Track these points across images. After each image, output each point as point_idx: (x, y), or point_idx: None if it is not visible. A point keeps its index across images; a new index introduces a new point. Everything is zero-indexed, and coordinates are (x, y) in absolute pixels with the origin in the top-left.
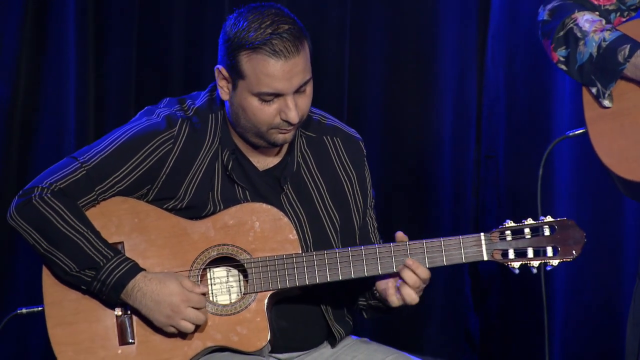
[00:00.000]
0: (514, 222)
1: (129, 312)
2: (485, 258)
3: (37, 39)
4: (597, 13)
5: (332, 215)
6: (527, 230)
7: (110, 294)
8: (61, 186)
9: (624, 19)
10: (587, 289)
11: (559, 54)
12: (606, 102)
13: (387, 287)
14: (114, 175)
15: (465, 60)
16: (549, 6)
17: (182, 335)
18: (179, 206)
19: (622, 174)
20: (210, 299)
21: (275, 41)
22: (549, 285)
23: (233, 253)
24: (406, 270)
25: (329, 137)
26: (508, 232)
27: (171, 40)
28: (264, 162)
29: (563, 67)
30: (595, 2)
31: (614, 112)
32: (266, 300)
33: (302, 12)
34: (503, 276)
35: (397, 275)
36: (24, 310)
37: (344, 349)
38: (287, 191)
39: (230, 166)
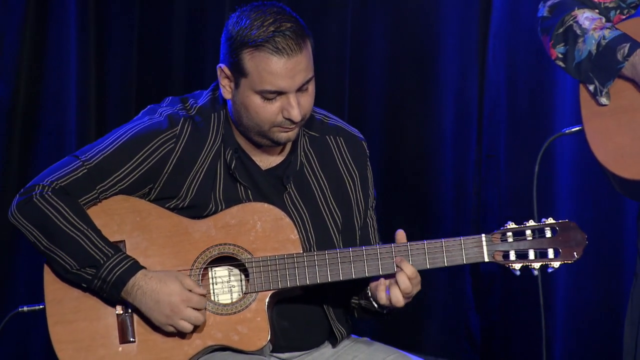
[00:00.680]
0: (515, 224)
1: (129, 310)
2: (486, 259)
3: (38, 38)
4: (597, 11)
5: (335, 215)
6: (528, 232)
7: (110, 291)
8: (62, 184)
9: (624, 17)
10: (588, 287)
11: (558, 51)
12: (603, 100)
13: (379, 283)
14: (116, 174)
15: (467, 60)
16: (549, 2)
17: (183, 334)
18: (180, 205)
19: (617, 172)
20: (212, 298)
21: (278, 39)
22: (550, 284)
23: (234, 252)
24: (401, 274)
25: (332, 137)
26: (509, 233)
27: (172, 39)
28: (267, 161)
29: (561, 63)
30: (595, 0)
31: (610, 110)
32: (267, 300)
33: (304, 11)
34: (504, 276)
35: (393, 276)
36: (25, 308)
37: (345, 348)
38: (290, 190)
39: (233, 165)
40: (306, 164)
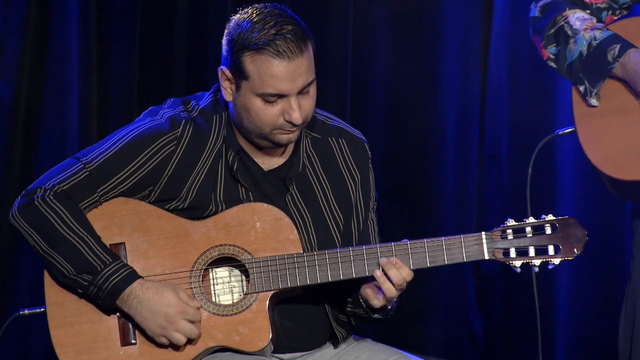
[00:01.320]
0: (515, 221)
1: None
2: (487, 257)
3: (40, 39)
4: (588, 11)
5: (337, 217)
6: (528, 228)
7: (105, 299)
8: (64, 188)
9: (616, 17)
10: (590, 288)
11: (549, 52)
12: (593, 101)
13: (371, 289)
14: (117, 177)
15: (469, 60)
16: (541, 3)
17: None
18: (180, 207)
19: (610, 173)
20: (213, 299)
21: (279, 42)
22: (551, 285)
23: (234, 253)
24: (391, 268)
25: (333, 139)
26: (509, 230)
27: (174, 40)
28: (269, 163)
29: (553, 64)
30: (587, 0)
31: (602, 111)
32: (268, 300)
33: (305, 12)
34: (506, 276)
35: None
36: (26, 312)
37: (346, 349)
38: (292, 192)
39: (235, 167)
40: (308, 166)
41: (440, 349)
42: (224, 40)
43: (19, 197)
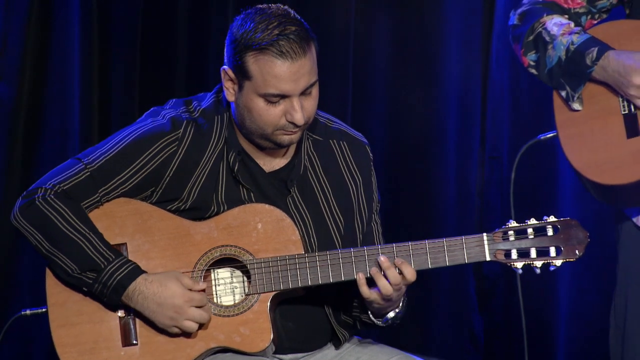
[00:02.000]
0: (517, 222)
1: (131, 313)
2: (488, 258)
3: (42, 39)
4: (567, 16)
5: (338, 219)
6: (530, 230)
7: (111, 296)
8: (65, 188)
9: (596, 22)
10: (592, 290)
11: (529, 59)
12: (576, 105)
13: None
14: (118, 177)
15: (470, 60)
16: (519, 10)
17: (185, 336)
18: (182, 207)
19: (592, 178)
20: (214, 299)
21: (282, 42)
22: (552, 287)
23: (236, 254)
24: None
25: (335, 141)
26: (511, 232)
27: (176, 41)
28: (270, 164)
29: (534, 71)
30: (565, 5)
31: (584, 116)
32: (269, 301)
33: (306, 12)
34: (507, 277)
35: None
36: (27, 312)
37: (348, 350)
38: (293, 194)
39: (236, 167)
40: (310, 168)
41: (442, 349)
42: (227, 41)
43: (20, 198)
